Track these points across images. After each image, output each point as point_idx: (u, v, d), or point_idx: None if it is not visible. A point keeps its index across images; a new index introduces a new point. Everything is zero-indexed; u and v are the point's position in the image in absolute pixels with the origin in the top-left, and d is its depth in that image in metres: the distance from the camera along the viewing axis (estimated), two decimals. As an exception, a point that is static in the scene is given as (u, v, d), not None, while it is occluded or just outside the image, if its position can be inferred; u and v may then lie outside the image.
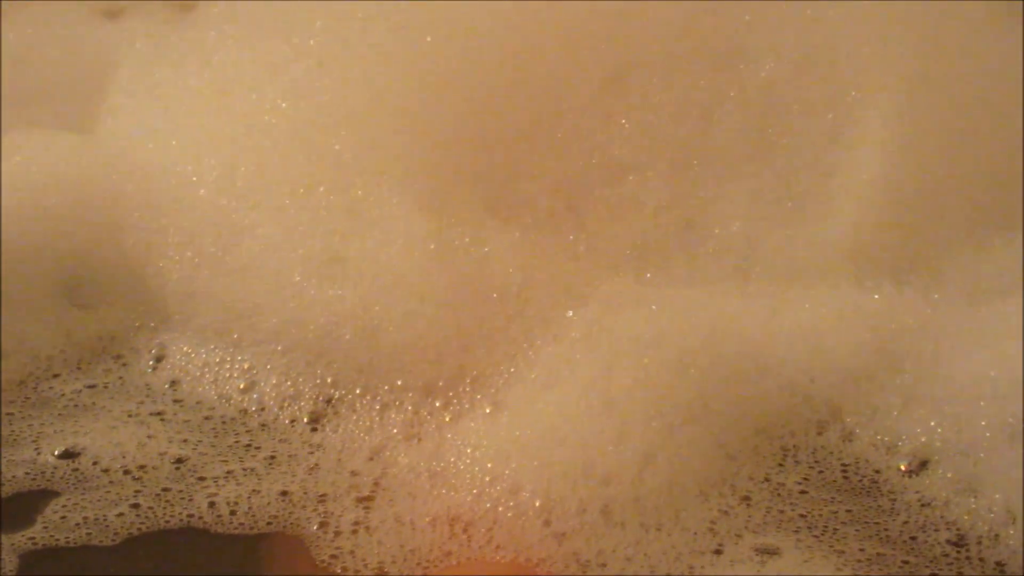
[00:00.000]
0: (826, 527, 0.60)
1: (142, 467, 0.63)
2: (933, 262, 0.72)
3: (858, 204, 0.73)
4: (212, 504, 0.61)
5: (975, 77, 0.78)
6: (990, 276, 0.72)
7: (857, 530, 0.60)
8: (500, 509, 0.60)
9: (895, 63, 0.76)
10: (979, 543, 0.59)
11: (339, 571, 0.58)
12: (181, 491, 0.62)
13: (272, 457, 0.65)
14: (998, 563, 0.58)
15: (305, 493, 0.62)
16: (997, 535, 0.59)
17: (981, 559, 0.59)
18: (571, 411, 0.62)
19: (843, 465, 0.64)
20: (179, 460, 0.64)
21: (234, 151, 0.74)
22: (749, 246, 0.74)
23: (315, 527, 0.60)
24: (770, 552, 0.58)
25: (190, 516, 0.61)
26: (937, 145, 0.75)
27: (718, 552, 0.59)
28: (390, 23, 0.77)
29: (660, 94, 0.76)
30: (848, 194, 0.73)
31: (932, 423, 0.63)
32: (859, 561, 0.58)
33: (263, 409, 0.67)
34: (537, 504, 0.59)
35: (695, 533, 0.59)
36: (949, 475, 0.62)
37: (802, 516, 0.61)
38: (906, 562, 0.58)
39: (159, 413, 0.68)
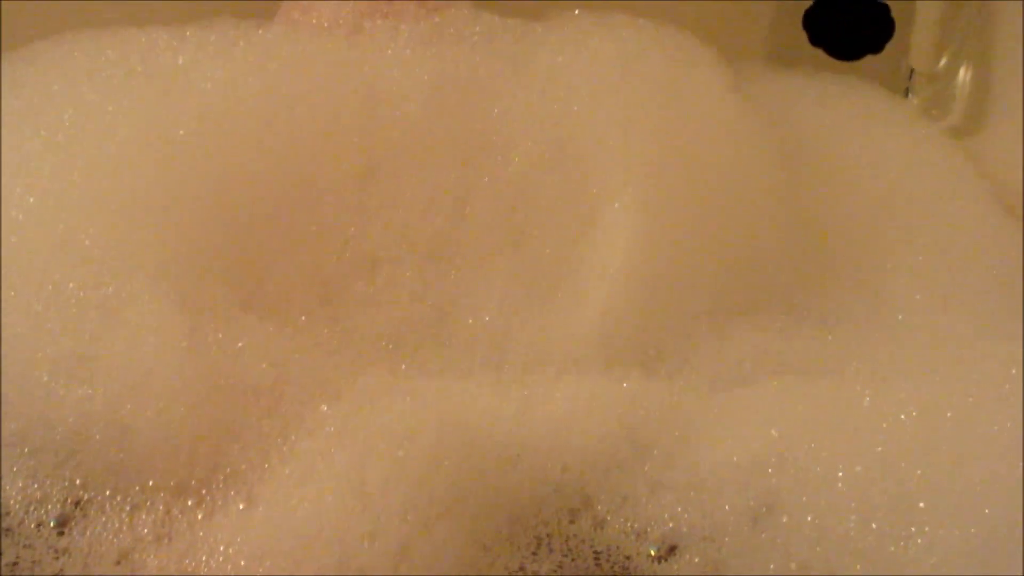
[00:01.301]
0: (580, 613, 0.61)
1: None
2: (678, 350, 0.75)
3: (606, 293, 0.75)
4: (-50, 615, 0.59)
5: (713, 168, 0.81)
6: (732, 362, 0.75)
7: (610, 615, 0.61)
8: (255, 608, 0.59)
9: (637, 156, 0.78)
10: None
11: None
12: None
13: (15, 563, 0.62)
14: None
15: (49, 601, 0.60)
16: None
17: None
18: (326, 506, 0.61)
19: (595, 552, 0.64)
20: (-85, 571, 0.61)
21: (-21, 247, 0.73)
22: (501, 336, 0.75)
23: (58, 636, 0.59)
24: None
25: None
26: (679, 235, 0.78)
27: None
28: (139, 116, 0.76)
29: (412, 187, 0.78)
30: (597, 284, 0.75)
31: (679, 509, 0.65)
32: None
33: (8, 513, 0.65)
34: (292, 602, 0.59)
35: (452, 624, 0.60)
36: (696, 559, 0.63)
37: (556, 603, 0.61)
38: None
39: None
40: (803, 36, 1.01)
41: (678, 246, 0.77)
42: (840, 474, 0.63)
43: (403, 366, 0.73)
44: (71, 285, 0.71)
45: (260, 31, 0.82)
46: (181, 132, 0.75)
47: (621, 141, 0.79)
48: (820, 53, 1.01)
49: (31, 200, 0.73)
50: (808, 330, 0.77)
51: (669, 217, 0.78)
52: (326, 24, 0.86)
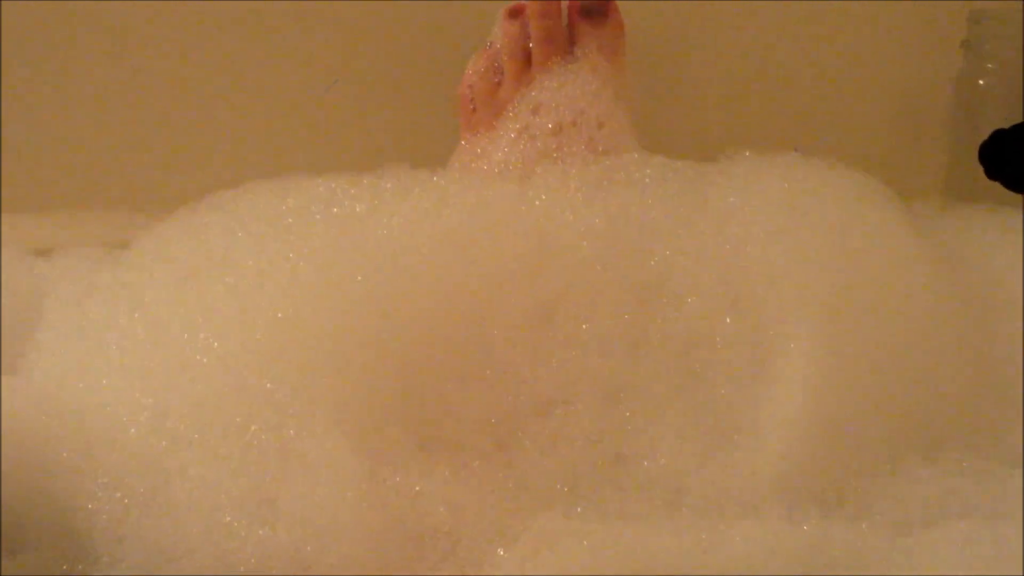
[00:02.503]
0: None
1: None
2: (859, 492, 0.73)
3: (784, 436, 0.74)
4: None
5: (890, 309, 0.80)
6: (916, 505, 0.73)
7: None
8: None
9: (812, 297, 0.78)
10: None
11: None
12: None
13: None
14: None
15: None
16: None
17: None
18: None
19: None
20: None
21: (166, 391, 0.75)
22: (678, 479, 0.74)
23: None
24: None
25: None
26: (857, 376, 0.76)
27: None
28: (318, 263, 0.78)
29: (584, 329, 0.78)
30: (774, 426, 0.74)
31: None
32: None
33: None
34: None
35: None
36: None
37: None
38: None
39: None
40: (979, 169, 1.00)
41: (856, 387, 0.76)
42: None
43: (579, 509, 0.73)
44: (253, 428, 0.72)
45: (434, 178, 0.83)
46: (359, 278, 0.77)
47: (795, 283, 0.78)
48: (998, 186, 0.99)
49: (216, 345, 0.76)
50: (994, 471, 0.75)
51: (846, 358, 0.77)
52: (497, 169, 0.88)
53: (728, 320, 0.78)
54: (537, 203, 0.82)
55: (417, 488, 0.70)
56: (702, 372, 0.77)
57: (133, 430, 0.74)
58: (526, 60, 0.91)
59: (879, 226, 0.83)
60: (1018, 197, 1.00)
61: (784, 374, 0.76)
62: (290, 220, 0.81)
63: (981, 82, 1.08)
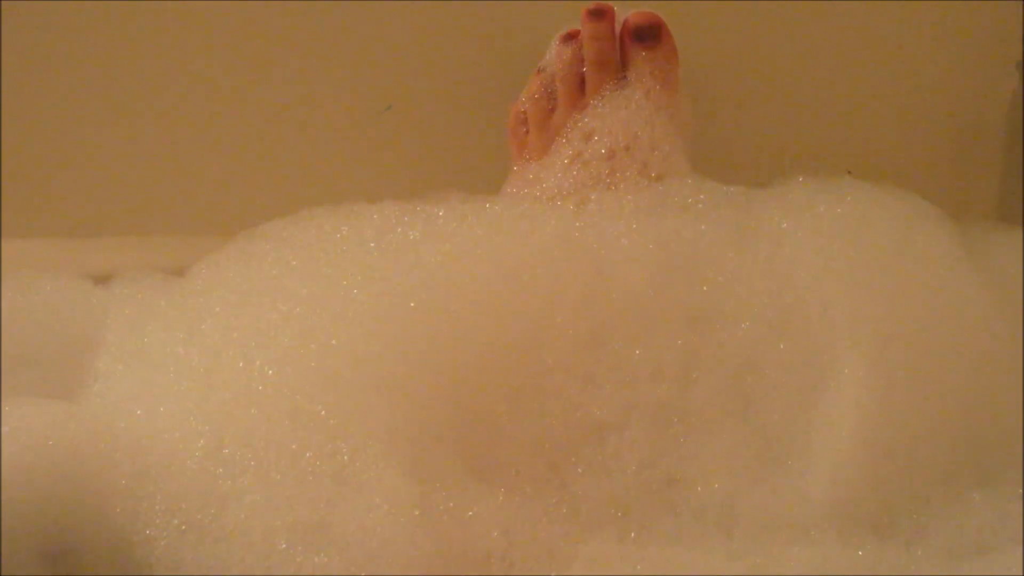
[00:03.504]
0: None
1: None
2: (914, 517, 0.73)
3: (837, 459, 0.74)
4: None
5: (944, 333, 0.80)
6: (971, 530, 0.72)
7: None
8: None
9: (865, 321, 0.78)
10: None
11: None
12: None
13: None
14: None
15: None
16: None
17: None
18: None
19: None
20: None
21: (222, 418, 0.75)
22: (731, 502, 0.74)
23: None
24: None
25: None
26: (910, 401, 0.76)
27: None
28: (372, 290, 0.79)
29: (637, 354, 0.78)
30: (826, 450, 0.74)
31: None
32: None
33: None
34: None
35: None
36: None
37: None
38: None
39: None
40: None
41: (909, 412, 0.76)
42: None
43: (632, 533, 0.73)
44: (308, 455, 0.73)
45: (487, 204, 0.84)
46: (412, 304, 0.77)
47: (848, 307, 0.78)
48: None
49: (270, 372, 0.76)
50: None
51: (900, 383, 0.76)
52: (550, 196, 0.88)
53: (781, 345, 0.77)
54: (590, 229, 0.82)
55: (470, 513, 0.70)
56: (754, 396, 0.77)
57: (190, 457, 0.74)
58: (580, 85, 0.91)
59: (932, 250, 0.83)
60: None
61: (836, 399, 0.76)
62: (344, 247, 0.82)
63: (1036, 103, 1.08)
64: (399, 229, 0.82)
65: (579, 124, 0.90)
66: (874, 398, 0.75)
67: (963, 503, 0.74)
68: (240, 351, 0.78)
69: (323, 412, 0.74)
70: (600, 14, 0.91)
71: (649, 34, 0.91)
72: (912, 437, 0.75)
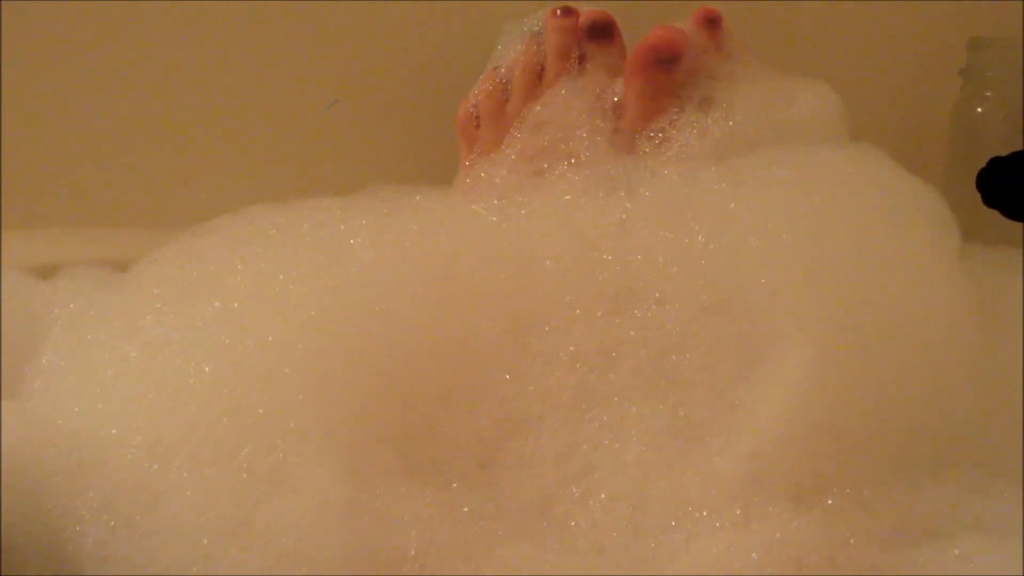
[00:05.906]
0: None
1: None
2: (854, 498, 0.71)
3: (761, 437, 0.72)
4: None
5: (904, 324, 0.78)
6: (920, 516, 0.72)
7: None
8: None
9: (819, 307, 0.76)
10: None
11: None
12: None
13: None
14: None
15: None
16: None
17: None
18: None
19: None
20: None
21: (159, 414, 0.75)
22: (642, 488, 0.73)
23: None
24: None
25: None
26: (864, 386, 0.75)
27: None
28: (308, 286, 0.78)
29: (557, 341, 0.78)
30: (749, 427, 0.73)
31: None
32: None
33: None
34: None
35: None
36: None
37: None
38: None
39: None
40: (977, 197, 1.00)
41: (862, 397, 0.74)
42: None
43: (547, 530, 0.72)
44: (245, 451, 0.72)
45: (417, 197, 0.84)
46: (346, 300, 0.77)
47: (801, 292, 0.77)
48: (994, 213, 0.99)
49: (207, 369, 0.76)
50: (1003, 488, 0.74)
51: (853, 369, 0.75)
52: (497, 189, 0.88)
53: (715, 327, 0.77)
54: (518, 218, 0.82)
55: (395, 512, 0.70)
56: (678, 378, 0.76)
57: (125, 453, 0.74)
58: (539, 75, 0.92)
59: (901, 241, 0.82)
60: (1015, 227, 1.00)
61: (769, 378, 0.75)
62: (281, 243, 0.82)
63: (979, 110, 1.08)
64: (332, 223, 0.82)
65: (528, 117, 0.91)
66: (817, 379, 0.73)
67: (915, 488, 0.73)
68: (179, 348, 0.78)
69: (260, 410, 0.74)
70: (569, 11, 0.94)
71: (603, 31, 0.93)
72: (861, 421, 0.74)
